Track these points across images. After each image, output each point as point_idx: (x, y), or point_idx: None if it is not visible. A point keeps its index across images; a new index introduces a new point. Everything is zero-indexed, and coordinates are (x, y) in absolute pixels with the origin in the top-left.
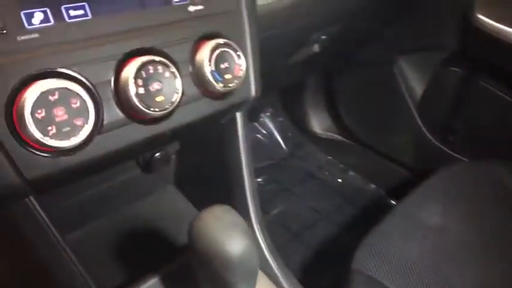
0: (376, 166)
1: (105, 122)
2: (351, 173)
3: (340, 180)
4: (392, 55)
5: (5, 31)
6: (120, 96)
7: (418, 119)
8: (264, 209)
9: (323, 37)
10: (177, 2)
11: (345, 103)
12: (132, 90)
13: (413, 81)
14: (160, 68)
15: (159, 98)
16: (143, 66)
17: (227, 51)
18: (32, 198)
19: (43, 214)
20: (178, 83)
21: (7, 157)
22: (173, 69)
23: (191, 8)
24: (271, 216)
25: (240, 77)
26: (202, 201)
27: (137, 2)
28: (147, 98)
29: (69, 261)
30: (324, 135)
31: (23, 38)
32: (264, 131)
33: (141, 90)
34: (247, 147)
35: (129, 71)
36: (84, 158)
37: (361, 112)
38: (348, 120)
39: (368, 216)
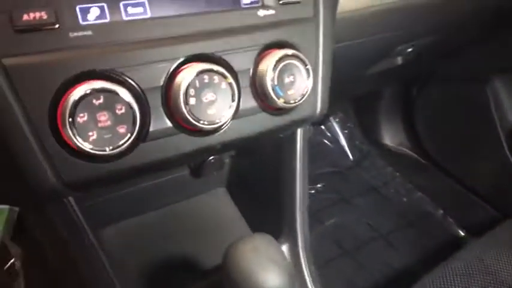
0: (449, 191)
1: (151, 130)
2: (419, 194)
3: (405, 199)
4: (486, 72)
5: (57, 26)
6: (170, 104)
7: (506, 149)
8: (318, 218)
9: (409, 50)
10: (247, 4)
11: (424, 118)
12: (182, 100)
13: (508, 105)
14: (216, 78)
15: (211, 111)
16: (198, 75)
17: (294, 63)
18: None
19: (78, 212)
20: (234, 95)
21: (47, 157)
22: (231, 80)
23: (261, 13)
24: (325, 226)
25: (304, 94)
26: (251, 210)
27: (202, 3)
28: (197, 109)
29: (98, 261)
30: (395, 149)
31: (75, 34)
32: (330, 136)
33: (192, 101)
34: (303, 166)
35: (182, 79)
36: (125, 165)
37: (441, 131)
38: (425, 137)
39: (431, 244)
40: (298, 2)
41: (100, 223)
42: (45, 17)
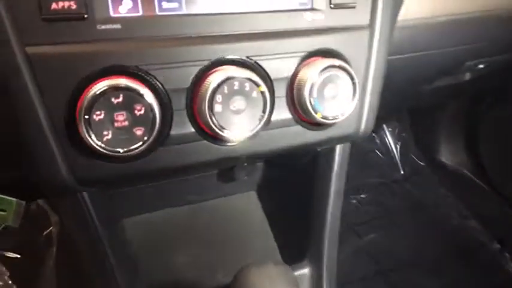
0: (508, 223)
1: (172, 133)
2: (473, 220)
3: (456, 224)
4: None
5: (86, 16)
6: (194, 109)
7: None
8: (356, 231)
9: (481, 66)
10: (296, 7)
11: (489, 140)
12: (207, 106)
13: None
14: (247, 86)
15: (238, 120)
16: (227, 80)
17: (339, 76)
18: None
19: (90, 205)
20: (266, 106)
21: (61, 150)
22: (264, 88)
23: (309, 17)
24: (363, 241)
25: (347, 110)
26: (279, 221)
27: (242, 2)
28: (223, 117)
29: (103, 258)
30: (452, 167)
31: (103, 27)
32: (381, 144)
33: (218, 108)
34: (338, 187)
35: (209, 83)
36: (140, 168)
37: (507, 154)
38: (487, 159)
39: (482, 280)
40: (353, 7)
41: (121, 213)
42: (74, 6)
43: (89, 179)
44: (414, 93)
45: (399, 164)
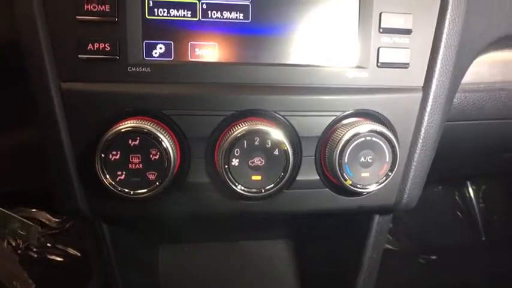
0: None
1: (188, 180)
2: None
3: None
4: None
5: (117, 57)
6: (215, 159)
7: None
8: None
9: None
10: (337, 62)
11: None
12: (223, 159)
13: None
14: (269, 142)
15: (256, 177)
16: (248, 134)
17: (378, 142)
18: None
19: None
20: (287, 166)
21: (80, 184)
22: (287, 146)
23: (350, 74)
24: None
25: (382, 181)
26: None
27: (280, 54)
28: (240, 172)
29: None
30: None
31: (133, 69)
32: (462, 203)
33: (235, 162)
34: (373, 266)
35: (229, 136)
36: (153, 210)
37: None
38: None
39: None
40: (405, 67)
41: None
42: (108, 48)
43: (104, 213)
44: (491, 160)
45: (481, 229)
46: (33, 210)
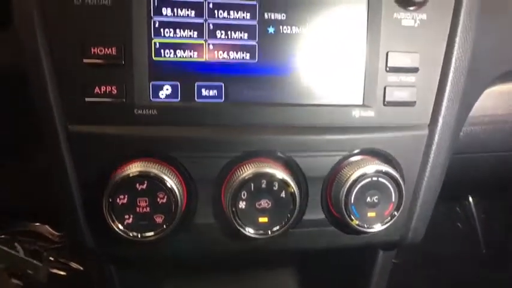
0: None
1: (195, 221)
2: None
3: None
4: None
5: (124, 100)
6: (222, 201)
7: None
8: None
9: None
10: (343, 101)
11: None
12: (230, 202)
13: None
14: (276, 185)
15: (262, 219)
16: (255, 177)
17: (384, 183)
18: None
19: (114, 276)
20: (295, 208)
21: (89, 226)
22: (294, 189)
23: (356, 113)
24: None
25: (388, 220)
26: None
27: (286, 93)
28: (247, 214)
29: None
30: None
31: (140, 112)
32: (462, 213)
33: (242, 205)
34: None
35: (236, 179)
36: (160, 252)
37: None
38: None
39: None
40: (412, 105)
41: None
42: (115, 92)
43: (111, 254)
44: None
45: (481, 241)
46: (36, 224)
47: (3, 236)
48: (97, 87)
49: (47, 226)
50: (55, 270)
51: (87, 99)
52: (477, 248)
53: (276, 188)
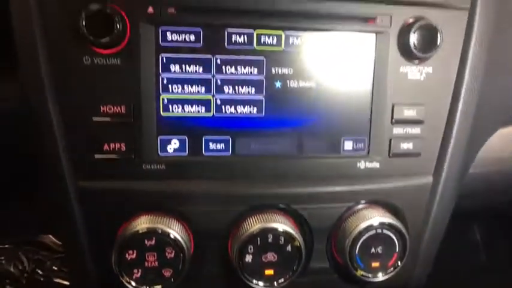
0: None
1: (202, 273)
2: None
3: None
4: None
5: (133, 156)
6: (228, 253)
7: None
8: None
9: None
10: (348, 151)
11: None
12: (237, 256)
13: None
14: (282, 239)
15: (269, 271)
16: (261, 232)
17: (389, 234)
18: None
19: None
20: (301, 261)
21: (98, 277)
22: (300, 243)
23: (362, 164)
24: None
25: (392, 271)
26: None
27: (294, 145)
28: (253, 267)
29: None
30: None
31: (148, 167)
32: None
33: (249, 258)
34: None
35: (243, 233)
36: None
37: None
38: None
39: None
40: (416, 155)
41: None
42: (123, 149)
43: None
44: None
45: (481, 250)
46: (40, 234)
47: (7, 246)
48: (106, 145)
49: (50, 236)
50: (58, 280)
51: (96, 156)
52: (477, 257)
53: (282, 242)
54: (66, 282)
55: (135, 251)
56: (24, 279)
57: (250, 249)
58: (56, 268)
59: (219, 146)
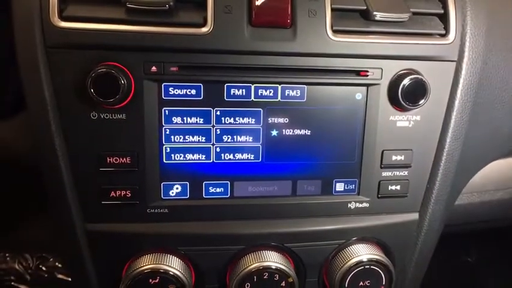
0: None
1: None
2: None
3: None
4: None
5: (138, 202)
6: (225, 285)
7: None
8: None
9: None
10: (339, 193)
11: None
12: None
13: None
14: (277, 276)
15: None
16: (258, 270)
17: (376, 270)
18: None
19: None
20: None
21: None
22: (293, 279)
23: (352, 205)
24: None
25: None
26: None
27: (288, 187)
28: None
29: None
30: None
31: (152, 211)
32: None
33: None
34: None
35: (240, 271)
36: None
37: None
38: None
39: None
40: (404, 196)
41: None
42: (129, 195)
43: None
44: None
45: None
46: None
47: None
48: (113, 192)
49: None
50: (62, 276)
51: (103, 202)
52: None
53: (276, 278)
54: (69, 279)
55: None
56: (28, 275)
57: (248, 286)
58: (59, 265)
59: (219, 189)
